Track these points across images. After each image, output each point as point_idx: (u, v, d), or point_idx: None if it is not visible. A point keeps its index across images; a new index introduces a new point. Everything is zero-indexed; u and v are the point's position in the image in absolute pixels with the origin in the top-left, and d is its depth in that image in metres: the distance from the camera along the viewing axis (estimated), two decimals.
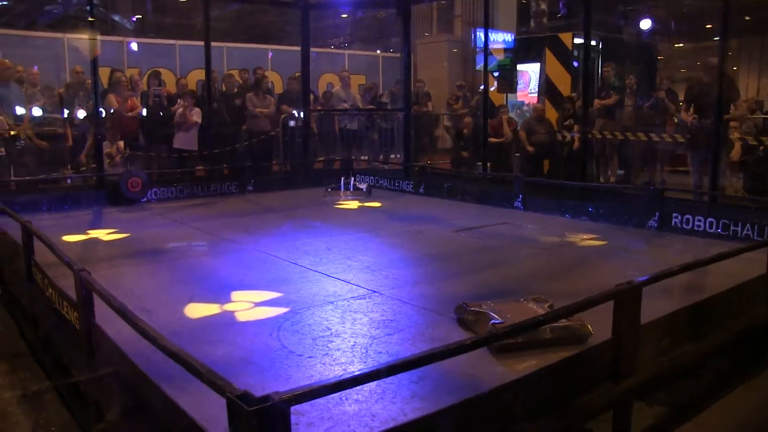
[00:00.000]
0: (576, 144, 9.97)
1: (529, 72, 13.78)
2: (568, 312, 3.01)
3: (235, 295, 4.49)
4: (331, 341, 3.56)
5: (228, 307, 4.23)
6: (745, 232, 6.12)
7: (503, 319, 3.46)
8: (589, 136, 9.16)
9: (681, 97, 10.54)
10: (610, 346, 3.09)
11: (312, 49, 11.45)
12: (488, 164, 10.32)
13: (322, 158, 11.63)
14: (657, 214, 6.79)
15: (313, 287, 4.65)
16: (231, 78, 11.61)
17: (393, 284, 4.75)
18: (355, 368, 3.14)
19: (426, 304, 4.25)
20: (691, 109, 8.71)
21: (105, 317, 3.34)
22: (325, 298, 4.39)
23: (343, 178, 9.80)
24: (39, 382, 4.04)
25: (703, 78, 8.44)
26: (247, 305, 4.27)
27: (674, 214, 6.70)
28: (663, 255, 5.78)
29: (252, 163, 10.49)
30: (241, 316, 4.04)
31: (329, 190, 9.64)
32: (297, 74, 11.78)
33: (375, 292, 4.55)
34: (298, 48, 11.13)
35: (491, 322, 3.47)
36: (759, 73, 20.57)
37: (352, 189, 9.60)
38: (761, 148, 9.10)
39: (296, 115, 11.34)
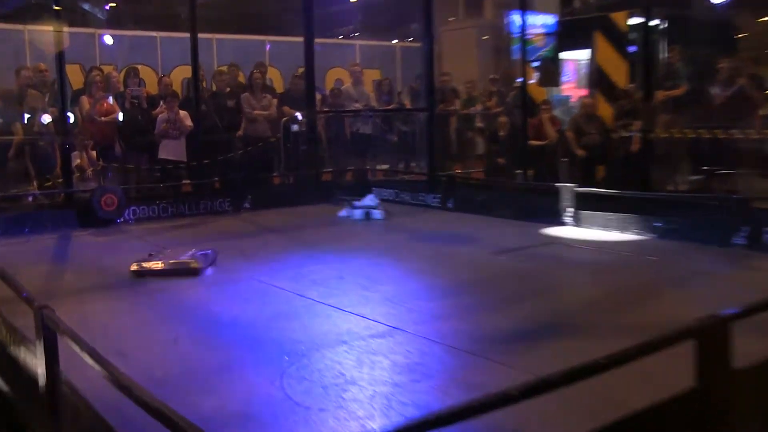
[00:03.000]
0: (636, 145, 9.84)
1: (577, 61, 13.70)
2: (640, 353, 2.88)
3: (230, 334, 4.45)
4: (346, 390, 3.51)
5: (221, 349, 4.19)
6: None
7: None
8: (652, 135, 9.02)
9: None
10: (694, 398, 2.95)
11: (317, 40, 11.46)
12: (529, 172, 10.22)
13: (330, 169, 11.61)
14: (744, 229, 6.63)
15: (323, 324, 4.61)
16: (222, 75, 11.60)
17: (418, 319, 4.70)
18: (376, 424, 3.09)
19: (458, 343, 4.21)
20: None
21: (72, 364, 3.27)
22: (338, 337, 4.34)
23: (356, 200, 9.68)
24: None
25: None
26: (245, 347, 4.23)
27: (765, 230, 6.52)
28: (753, 281, 5.63)
29: (248, 175, 10.47)
30: (237, 361, 4.00)
31: (341, 206, 9.57)
32: (301, 70, 11.79)
33: (397, 329, 4.50)
34: (301, 39, 11.16)
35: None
36: None
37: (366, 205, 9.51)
38: None
39: (300, 118, 11.32)
